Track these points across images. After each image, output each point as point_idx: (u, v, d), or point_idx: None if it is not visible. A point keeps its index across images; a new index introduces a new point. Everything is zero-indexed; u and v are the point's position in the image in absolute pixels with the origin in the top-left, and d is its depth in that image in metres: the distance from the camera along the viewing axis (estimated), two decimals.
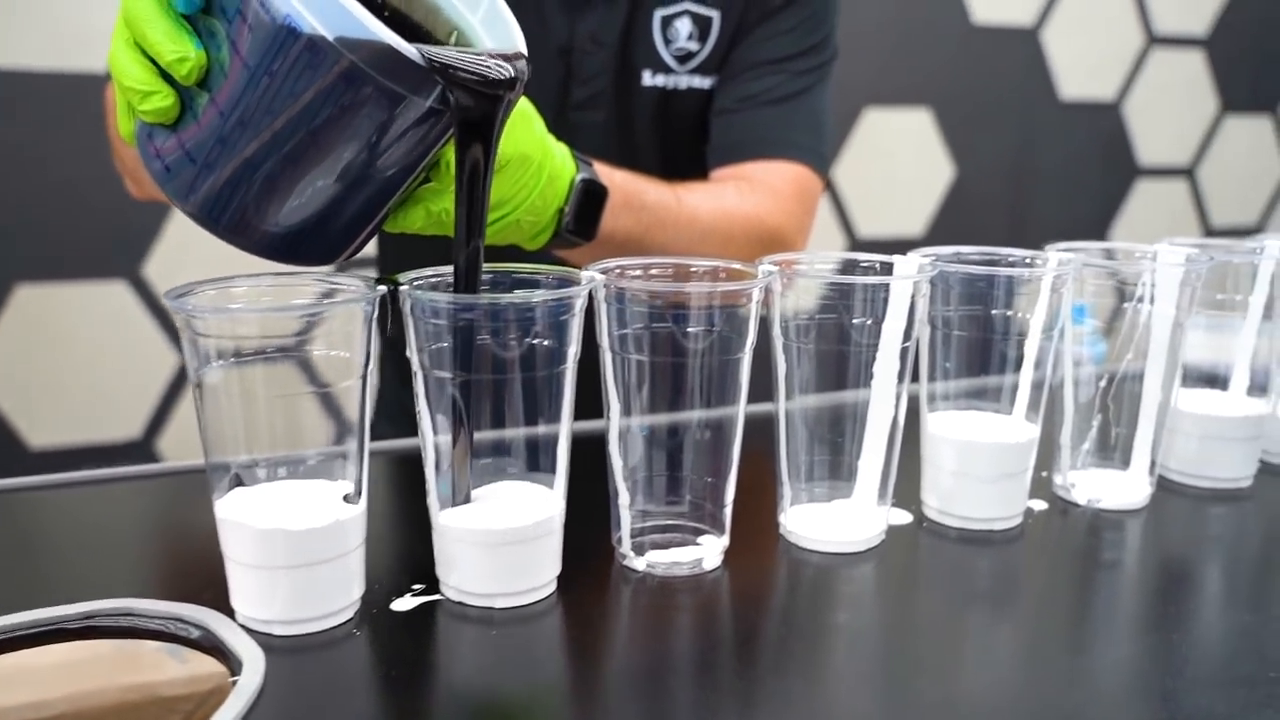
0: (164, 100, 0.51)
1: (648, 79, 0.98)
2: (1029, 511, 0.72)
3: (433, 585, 0.59)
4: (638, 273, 0.63)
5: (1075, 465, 0.75)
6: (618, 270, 0.62)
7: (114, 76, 0.52)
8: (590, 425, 0.66)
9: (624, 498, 0.61)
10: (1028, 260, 0.71)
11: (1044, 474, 0.77)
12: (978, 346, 0.68)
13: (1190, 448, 0.78)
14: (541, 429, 0.58)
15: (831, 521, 0.66)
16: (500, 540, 0.56)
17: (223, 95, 0.49)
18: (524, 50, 0.55)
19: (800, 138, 0.97)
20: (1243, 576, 0.67)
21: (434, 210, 0.58)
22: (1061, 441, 0.75)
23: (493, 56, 0.52)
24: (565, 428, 0.59)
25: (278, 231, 0.53)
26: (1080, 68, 2.40)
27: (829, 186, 2.17)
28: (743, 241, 0.89)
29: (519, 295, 0.57)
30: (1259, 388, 0.79)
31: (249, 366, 0.53)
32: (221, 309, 0.54)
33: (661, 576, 0.62)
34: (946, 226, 2.32)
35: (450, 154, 0.55)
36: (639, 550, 0.62)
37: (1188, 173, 2.60)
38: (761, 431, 0.68)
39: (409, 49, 0.48)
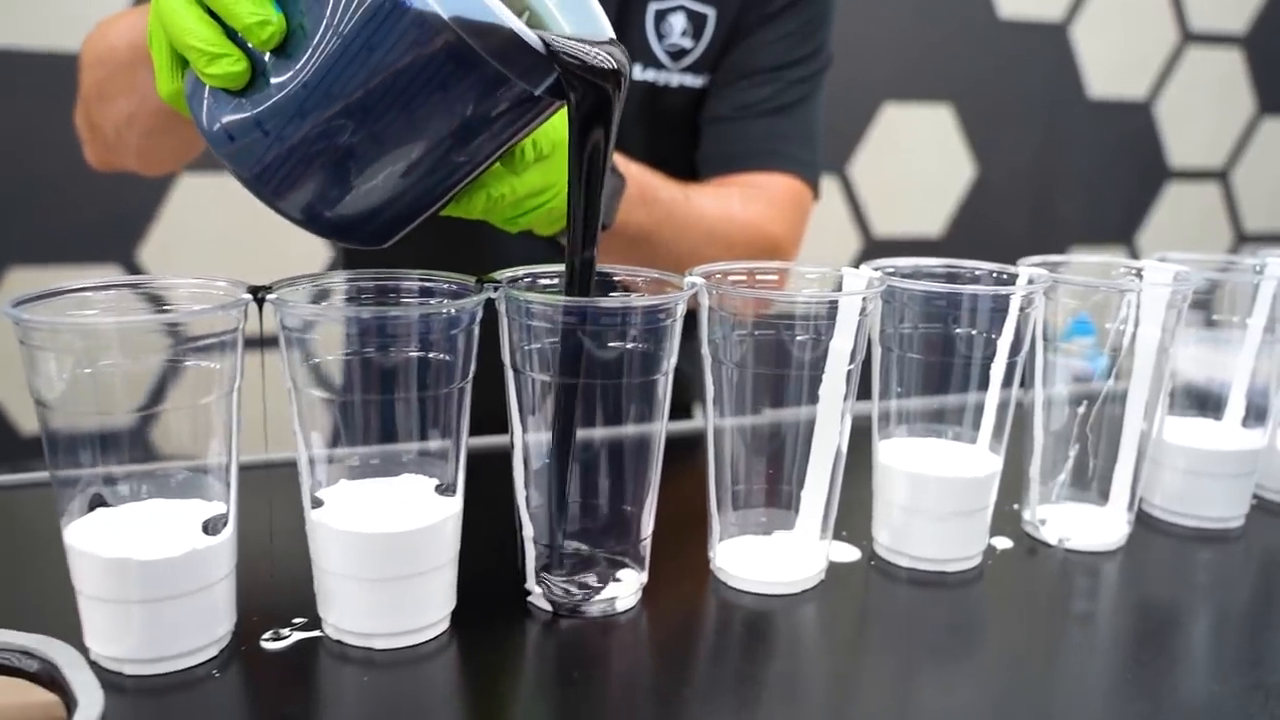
0: (236, 64, 0.47)
1: (637, 73, 0.94)
2: (991, 550, 0.66)
3: (315, 620, 0.54)
4: (549, 281, 0.57)
5: (1048, 499, 0.69)
6: (527, 280, 0.56)
7: (168, 29, 0.48)
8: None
9: (527, 528, 0.56)
10: (996, 275, 0.65)
11: (1014, 506, 0.71)
12: (936, 369, 0.62)
13: (1176, 483, 0.71)
14: (434, 444, 0.53)
15: (767, 558, 0.60)
16: (381, 574, 0.51)
17: (308, 64, 0.46)
18: (612, 34, 0.53)
19: (796, 150, 0.95)
20: (1230, 632, 0.61)
21: (494, 195, 0.56)
22: (1031, 474, 0.68)
23: (596, 45, 0.49)
24: (462, 447, 0.53)
25: (341, 208, 0.50)
26: (1110, 65, 2.31)
27: (844, 182, 2.11)
28: (743, 249, 0.87)
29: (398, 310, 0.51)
30: (1256, 416, 0.72)
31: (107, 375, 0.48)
32: (62, 323, 0.49)
33: (569, 617, 0.56)
34: (966, 227, 2.25)
35: (525, 141, 0.54)
36: (545, 586, 0.56)
37: (1221, 176, 2.51)
38: (701, 455, 0.62)
39: (531, 35, 0.45)
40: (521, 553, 0.57)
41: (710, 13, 0.94)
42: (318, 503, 0.52)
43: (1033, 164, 2.33)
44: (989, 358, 0.62)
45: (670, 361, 0.55)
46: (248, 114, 0.48)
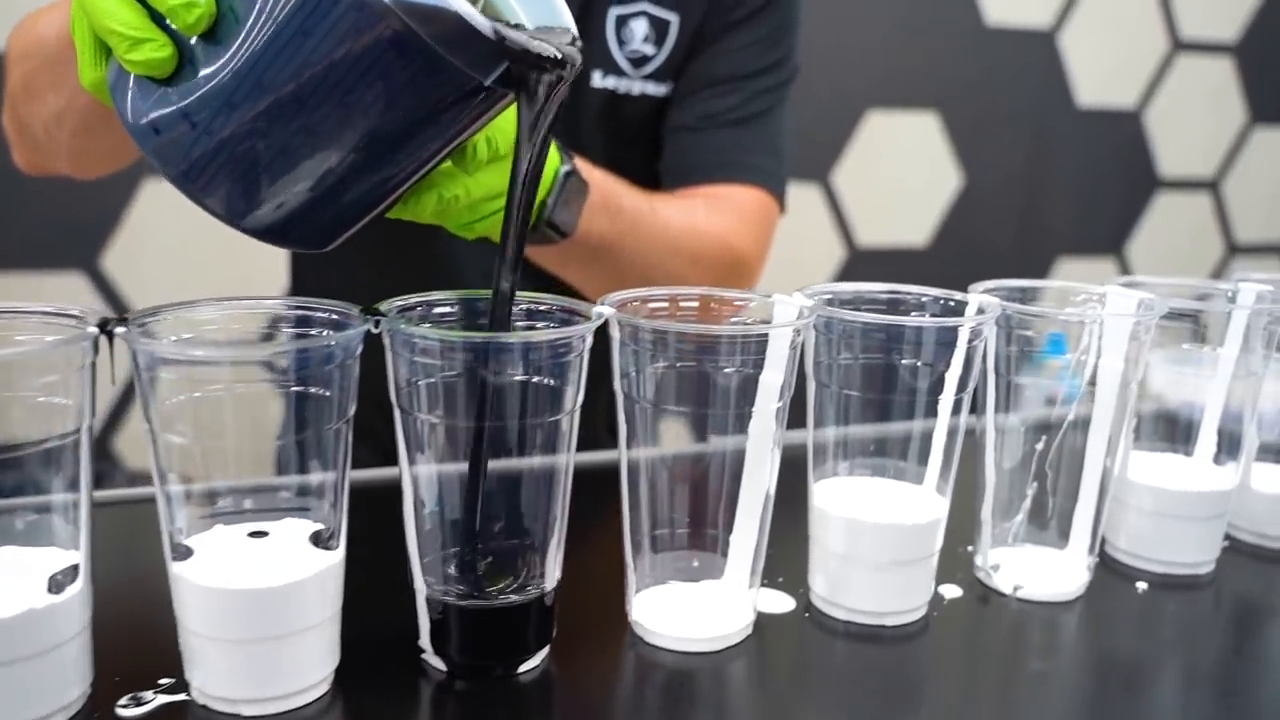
0: (160, 50, 0.43)
1: (597, 80, 0.91)
2: (938, 599, 0.61)
3: (183, 682, 0.49)
4: (448, 308, 0.52)
5: (1003, 542, 0.64)
6: (420, 309, 0.51)
7: (89, 12, 0.44)
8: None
9: (419, 581, 0.51)
10: (943, 302, 0.60)
11: (969, 549, 0.66)
12: (876, 404, 0.57)
13: (1142, 525, 0.66)
14: (314, 487, 0.48)
15: (690, 610, 0.55)
16: (248, 635, 0.46)
17: (237, 51, 0.42)
18: (575, 30, 0.50)
19: (762, 162, 0.93)
20: (1199, 692, 0.56)
21: (446, 196, 0.53)
22: (982, 516, 0.63)
23: (546, 34, 0.47)
24: (344, 490, 0.48)
25: (280, 209, 0.46)
26: (1099, 73, 2.27)
27: (827, 191, 2.06)
28: (709, 262, 0.85)
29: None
30: (1228, 451, 0.67)
31: None
32: None
33: (467, 679, 0.51)
34: (953, 237, 2.21)
35: (478, 138, 0.51)
36: (440, 646, 0.51)
37: (1212, 186, 2.47)
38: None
39: (481, 20, 0.42)
40: (415, 605, 0.52)
41: (673, 19, 0.90)
42: (182, 553, 0.47)
43: (1021, 173, 2.28)
44: (935, 392, 0.57)
45: (576, 398, 0.50)
46: (174, 105, 0.44)
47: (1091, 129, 2.30)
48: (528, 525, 0.51)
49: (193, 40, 0.43)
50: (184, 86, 0.44)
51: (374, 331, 0.47)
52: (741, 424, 0.53)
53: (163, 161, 0.45)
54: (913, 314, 0.60)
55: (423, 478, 0.50)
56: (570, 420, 0.50)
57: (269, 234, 0.47)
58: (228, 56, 0.43)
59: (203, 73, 0.43)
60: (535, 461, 0.50)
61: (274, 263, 1.20)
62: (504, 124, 0.51)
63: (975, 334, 0.56)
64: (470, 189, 0.53)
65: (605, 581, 0.58)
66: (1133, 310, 0.62)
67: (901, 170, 2.15)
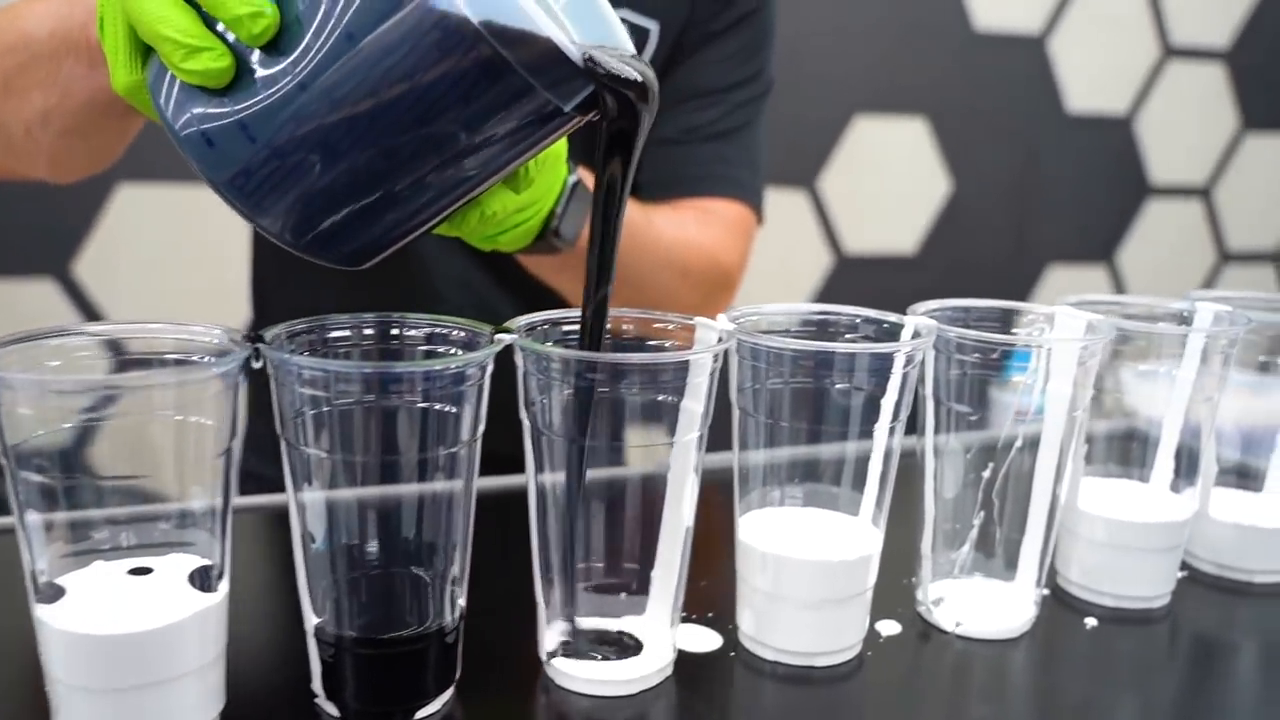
0: (219, 60, 0.41)
1: None
2: (874, 637, 0.58)
3: None
4: (343, 331, 0.49)
5: (949, 574, 0.61)
6: (307, 333, 0.48)
7: (135, 16, 0.42)
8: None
9: (308, 618, 0.48)
10: (878, 324, 0.57)
11: (913, 580, 0.63)
12: (804, 432, 0.54)
13: (1093, 557, 0.63)
14: (191, 521, 0.45)
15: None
16: (116, 684, 0.43)
17: (306, 62, 0.40)
18: (634, 50, 0.49)
19: (743, 175, 0.93)
20: None
21: (488, 213, 0.51)
22: (922, 549, 0.60)
23: (627, 58, 0.45)
24: (228, 525, 0.46)
25: (328, 224, 0.44)
26: (1090, 79, 2.24)
27: (814, 197, 2.04)
28: (698, 275, 0.86)
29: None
30: (1186, 476, 0.65)
31: None
32: None
33: None
34: (942, 243, 2.18)
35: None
36: (333, 690, 0.48)
37: (1204, 193, 2.44)
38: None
39: (570, 47, 0.41)
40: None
41: (653, 27, 0.89)
42: (48, 594, 0.44)
43: (1011, 179, 2.25)
44: (870, 419, 0.54)
45: (476, 426, 0.47)
46: (229, 115, 0.42)
47: (1082, 135, 2.27)
48: (425, 556, 0.48)
49: (253, 50, 0.41)
50: (241, 95, 0.42)
51: (255, 365, 0.45)
52: (659, 453, 0.51)
53: (214, 171, 0.43)
54: (845, 336, 0.57)
55: (310, 510, 0.47)
56: (469, 449, 0.48)
57: (312, 248, 0.45)
58: (293, 67, 0.40)
59: (265, 84, 0.41)
60: (436, 487, 0.47)
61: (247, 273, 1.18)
62: None
63: (908, 360, 0.53)
64: (506, 204, 0.52)
65: (515, 616, 0.55)
66: (1081, 333, 0.59)
67: (890, 177, 2.13)
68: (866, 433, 0.54)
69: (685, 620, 0.58)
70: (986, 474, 0.59)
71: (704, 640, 0.56)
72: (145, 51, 0.45)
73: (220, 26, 0.41)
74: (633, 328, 0.54)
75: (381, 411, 0.46)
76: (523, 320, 0.51)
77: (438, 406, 0.47)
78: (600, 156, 0.47)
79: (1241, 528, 0.67)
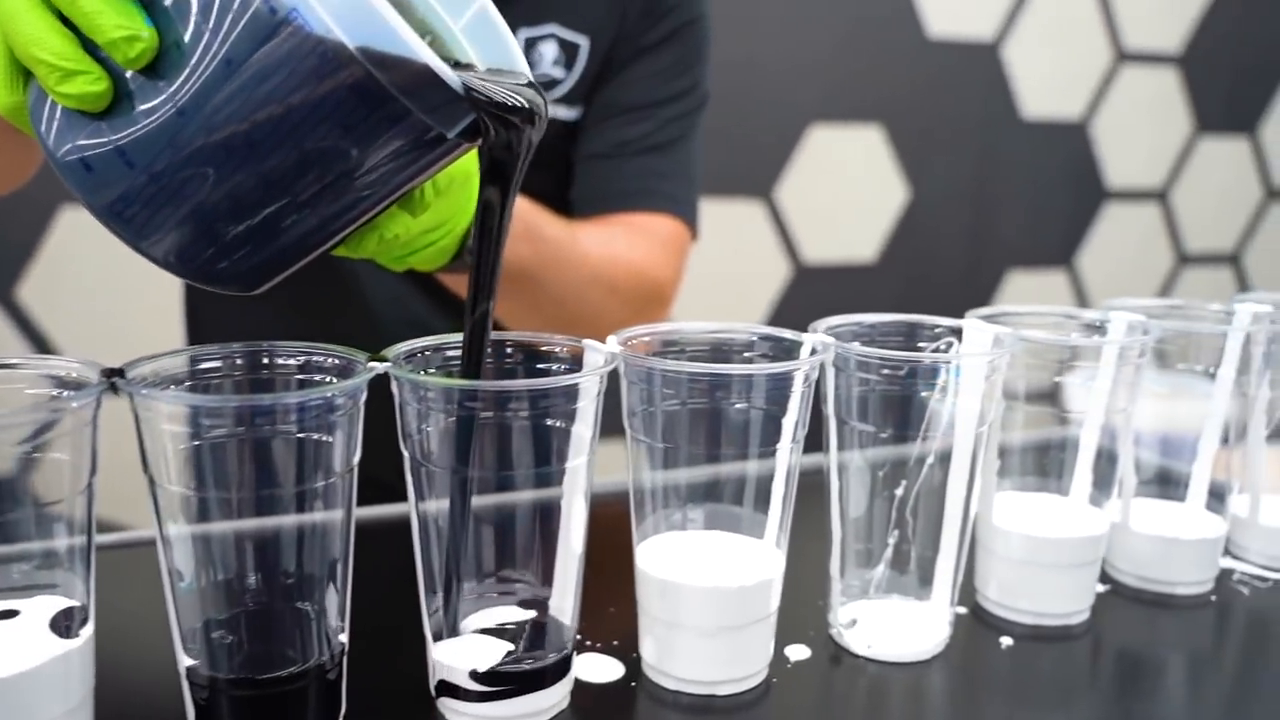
0: (96, 84, 0.40)
1: None
2: (782, 662, 0.57)
3: None
4: (214, 362, 0.48)
5: (864, 594, 0.60)
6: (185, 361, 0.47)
7: (9, 37, 0.41)
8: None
9: (180, 658, 0.46)
10: (775, 341, 0.56)
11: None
12: (701, 456, 0.53)
13: (1010, 574, 0.62)
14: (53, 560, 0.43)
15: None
16: None
17: (184, 88, 0.39)
18: (530, 75, 0.49)
19: (676, 190, 0.92)
20: None
21: (388, 236, 0.50)
22: (831, 570, 0.59)
23: (512, 83, 0.45)
24: (91, 565, 0.44)
25: (216, 252, 0.43)
26: (1044, 85, 2.25)
27: (770, 207, 2.03)
28: (627, 292, 0.85)
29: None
30: (1104, 488, 0.64)
31: None
32: None
33: None
34: (901, 251, 2.18)
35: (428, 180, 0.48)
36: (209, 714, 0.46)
37: (1160, 196, 2.45)
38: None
39: (448, 72, 0.40)
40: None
41: (583, 42, 0.88)
42: None
43: (968, 185, 2.26)
44: (770, 440, 0.53)
45: (350, 456, 0.46)
46: (107, 141, 0.41)
47: (1038, 141, 2.28)
48: (302, 590, 0.46)
49: (129, 73, 0.40)
50: (120, 121, 0.41)
51: (116, 392, 0.43)
52: (551, 480, 0.49)
53: (92, 197, 0.42)
54: (743, 355, 0.56)
55: (177, 546, 0.45)
56: (345, 480, 0.46)
57: (201, 276, 0.44)
58: (173, 93, 0.40)
59: (143, 108, 0.40)
60: (312, 519, 0.46)
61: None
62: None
63: (805, 379, 0.52)
64: (410, 227, 0.51)
65: (402, 649, 0.54)
66: (988, 346, 0.58)
67: (847, 185, 2.12)
68: (768, 453, 0.53)
69: (588, 649, 0.57)
70: (900, 492, 0.58)
71: (606, 670, 0.55)
72: (26, 73, 0.43)
73: (99, 49, 0.40)
74: (517, 351, 0.53)
75: (251, 444, 0.44)
76: (402, 347, 0.49)
77: (315, 436, 0.45)
78: (481, 179, 0.46)
79: (1163, 539, 0.66)
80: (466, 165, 0.56)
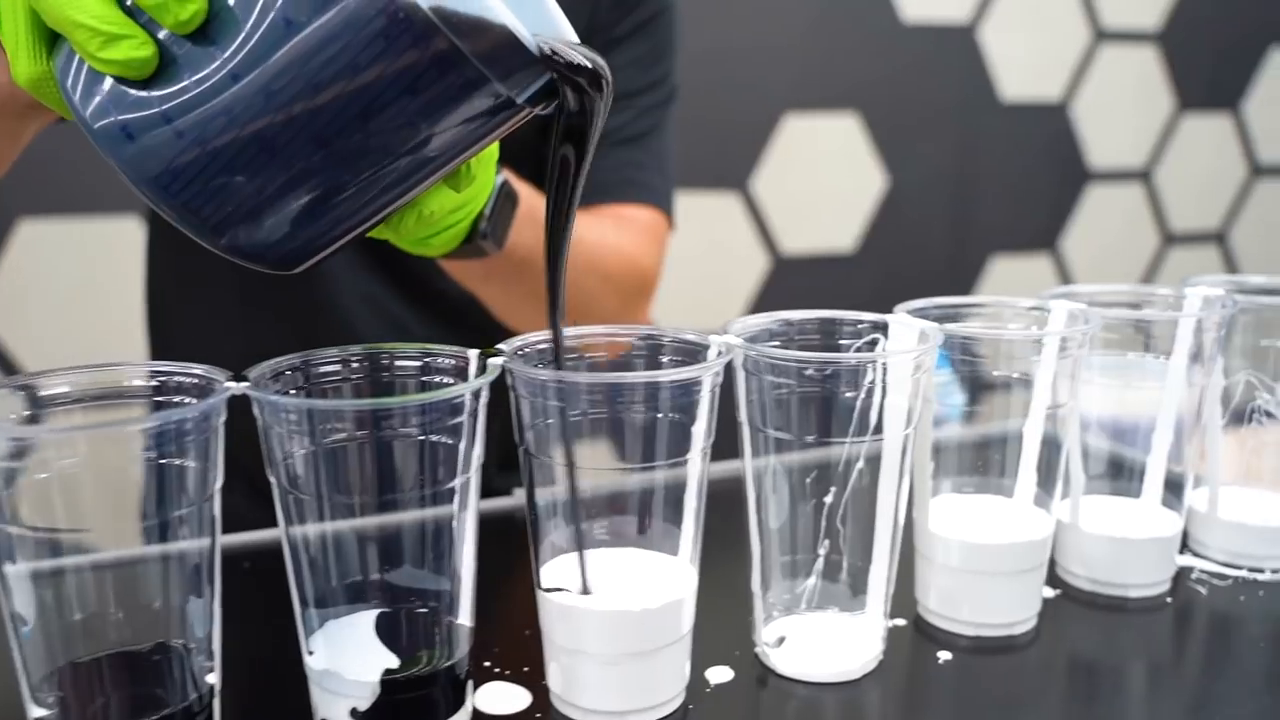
0: (141, 49, 0.37)
1: None
2: (701, 686, 0.53)
3: None
4: (61, 387, 0.44)
5: (797, 609, 0.56)
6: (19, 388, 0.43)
7: (42, 2, 0.38)
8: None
9: (29, 712, 0.43)
10: (678, 344, 0.52)
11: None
12: (604, 470, 0.49)
13: (950, 583, 0.59)
14: None
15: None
16: None
17: (239, 53, 0.37)
18: (577, 37, 0.46)
19: (654, 180, 0.91)
20: None
21: (426, 212, 0.48)
22: (753, 586, 0.55)
23: (577, 49, 0.43)
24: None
25: (266, 227, 0.41)
26: (1022, 67, 2.21)
27: (747, 199, 1.99)
28: (619, 280, 0.85)
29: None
30: (1049, 488, 0.60)
31: None
32: None
33: None
34: (881, 240, 2.14)
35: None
36: None
37: (1144, 176, 2.41)
38: None
39: (527, 36, 0.38)
40: None
41: None
42: None
43: (948, 171, 2.22)
44: (678, 450, 0.49)
45: (210, 483, 0.43)
46: (153, 109, 0.38)
47: (1017, 124, 2.24)
48: (163, 628, 0.43)
49: (178, 37, 0.38)
50: (167, 88, 0.38)
51: None
52: (432, 500, 0.46)
53: (136, 169, 0.39)
54: (660, 360, 0.53)
55: (15, 586, 0.41)
56: (208, 506, 0.43)
57: (243, 253, 0.41)
58: (225, 57, 0.37)
59: (192, 75, 0.38)
60: (169, 549, 0.42)
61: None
62: None
63: (715, 383, 0.49)
64: (445, 203, 0.49)
65: (281, 686, 0.50)
66: (914, 342, 0.54)
67: (824, 174, 2.09)
68: (678, 464, 0.49)
69: (495, 676, 0.53)
70: (829, 499, 0.55)
71: (511, 699, 0.51)
72: (52, 40, 0.40)
73: (141, 12, 0.37)
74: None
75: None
76: (266, 366, 0.46)
77: (176, 462, 0.42)
78: (554, 146, 0.45)
79: (1113, 539, 0.62)
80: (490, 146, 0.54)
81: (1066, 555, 0.64)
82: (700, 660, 0.53)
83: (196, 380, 0.45)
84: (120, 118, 0.38)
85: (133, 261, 1.42)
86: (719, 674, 0.54)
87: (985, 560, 0.57)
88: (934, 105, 2.15)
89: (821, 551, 0.55)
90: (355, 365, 0.49)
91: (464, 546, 0.47)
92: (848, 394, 0.53)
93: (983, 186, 2.25)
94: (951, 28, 2.12)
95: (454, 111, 0.39)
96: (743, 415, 0.53)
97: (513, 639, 0.56)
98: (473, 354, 0.48)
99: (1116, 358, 0.64)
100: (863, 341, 0.56)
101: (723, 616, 0.57)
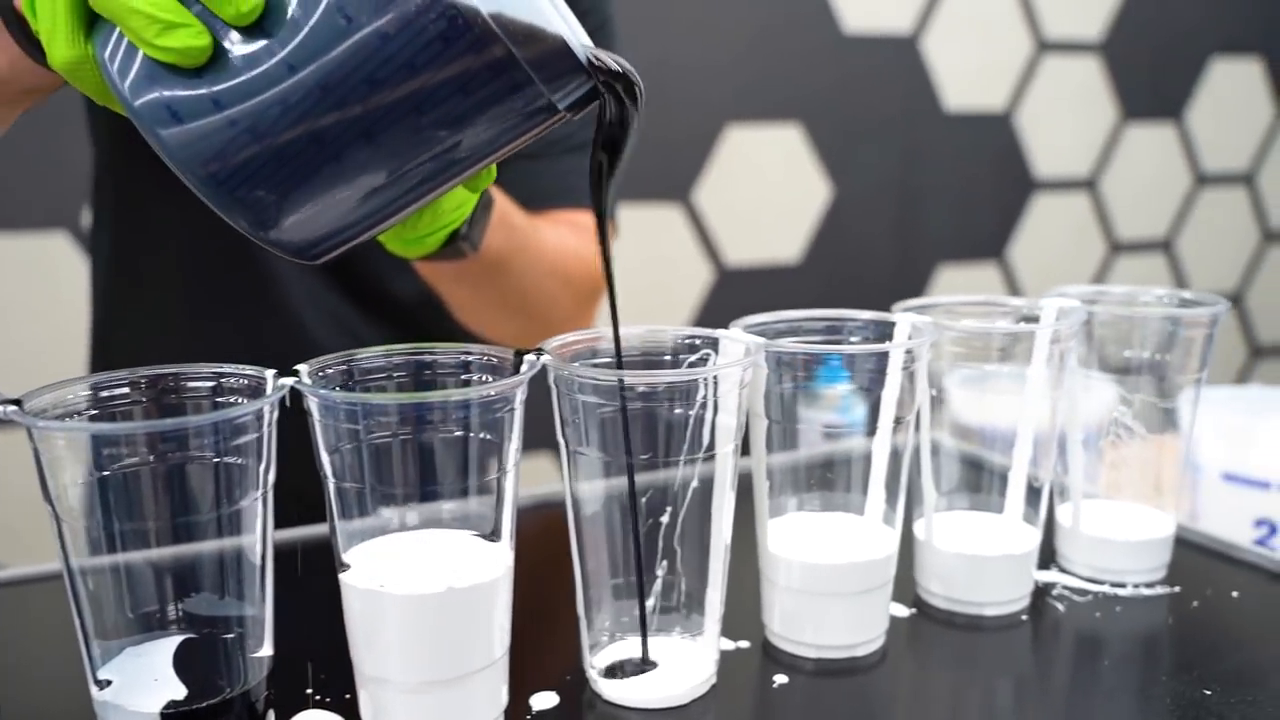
0: (197, 38, 0.38)
1: None
2: (522, 713, 0.52)
3: None
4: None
5: (628, 633, 0.55)
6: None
7: None
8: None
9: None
10: (483, 361, 0.51)
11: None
12: (416, 494, 0.48)
13: (792, 604, 0.57)
14: None
15: None
16: None
17: (296, 45, 0.38)
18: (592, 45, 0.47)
19: None
20: None
21: (441, 209, 0.50)
22: (579, 610, 0.54)
23: (615, 58, 0.44)
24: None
25: (301, 214, 0.42)
26: (965, 77, 2.22)
27: (689, 210, 1.99)
28: (579, 284, 0.86)
29: None
30: (894, 504, 0.59)
31: None
32: None
33: None
34: (826, 250, 2.14)
35: None
36: None
37: (1089, 185, 2.42)
38: None
39: (577, 44, 0.41)
40: None
41: None
42: None
43: (892, 181, 2.22)
44: (485, 470, 0.48)
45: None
46: (205, 97, 0.39)
47: (962, 133, 2.24)
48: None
49: (233, 27, 0.39)
50: (221, 77, 0.39)
51: None
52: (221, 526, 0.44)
53: (182, 155, 0.40)
54: (460, 379, 0.51)
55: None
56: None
57: (276, 238, 0.42)
58: (283, 50, 0.38)
59: (248, 65, 0.38)
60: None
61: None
62: None
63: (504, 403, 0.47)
64: (454, 200, 0.50)
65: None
66: (740, 357, 0.53)
67: (767, 185, 2.08)
68: (486, 486, 0.48)
69: (315, 703, 0.51)
70: (665, 519, 0.53)
71: None
72: (91, 22, 0.40)
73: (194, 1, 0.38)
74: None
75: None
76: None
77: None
78: (594, 152, 0.46)
79: (966, 556, 0.61)
80: None
81: (924, 573, 0.63)
82: (525, 685, 0.52)
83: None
84: (170, 105, 0.39)
85: (63, 277, 1.40)
86: (543, 700, 0.53)
87: (825, 581, 0.56)
88: (877, 115, 2.15)
89: (660, 573, 0.54)
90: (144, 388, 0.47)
91: (263, 572, 0.45)
92: (678, 410, 0.51)
93: (928, 196, 2.25)
94: (894, 38, 2.13)
95: (498, 113, 0.40)
96: (560, 435, 0.52)
97: (343, 665, 0.54)
98: (269, 373, 0.47)
99: (974, 370, 0.63)
100: (695, 357, 0.55)
101: (553, 642, 0.55)
